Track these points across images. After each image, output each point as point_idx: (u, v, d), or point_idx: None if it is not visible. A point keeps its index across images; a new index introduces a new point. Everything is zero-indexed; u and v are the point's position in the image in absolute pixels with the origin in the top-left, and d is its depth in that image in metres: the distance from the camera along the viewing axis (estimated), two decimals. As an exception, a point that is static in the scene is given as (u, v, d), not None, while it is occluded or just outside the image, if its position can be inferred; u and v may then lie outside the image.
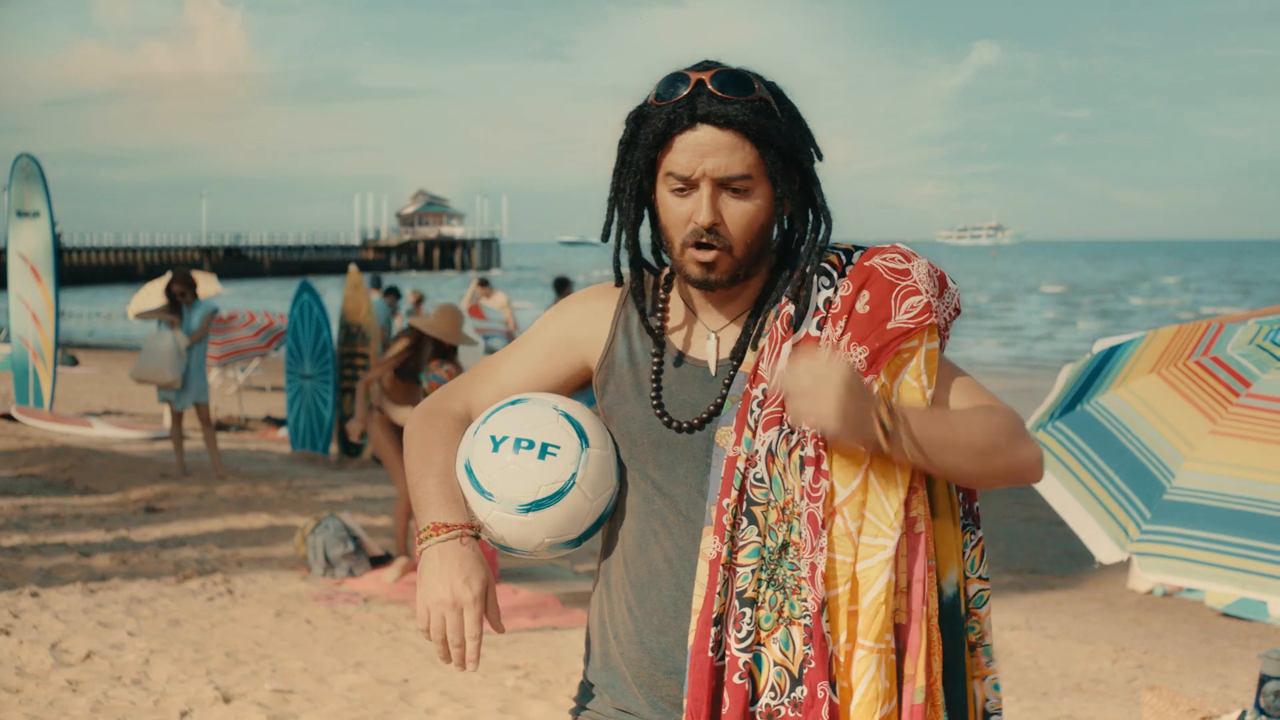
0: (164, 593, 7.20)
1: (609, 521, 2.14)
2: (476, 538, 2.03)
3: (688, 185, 1.99)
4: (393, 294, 17.05)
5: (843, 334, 1.99)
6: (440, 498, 2.04)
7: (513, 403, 2.12)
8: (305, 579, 7.74)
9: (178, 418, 11.11)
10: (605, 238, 2.12)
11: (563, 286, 15.66)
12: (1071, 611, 7.95)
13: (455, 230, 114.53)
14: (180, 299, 10.92)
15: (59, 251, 14.51)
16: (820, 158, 2.08)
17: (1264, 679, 3.88)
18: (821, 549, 1.93)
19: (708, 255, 2.00)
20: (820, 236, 2.05)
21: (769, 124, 1.98)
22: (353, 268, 13.62)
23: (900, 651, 1.98)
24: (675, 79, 2.01)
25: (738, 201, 1.99)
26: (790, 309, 2.02)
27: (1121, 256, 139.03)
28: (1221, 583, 2.84)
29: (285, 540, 8.65)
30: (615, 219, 2.10)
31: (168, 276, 11.36)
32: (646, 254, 2.16)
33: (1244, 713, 4.07)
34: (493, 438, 2.07)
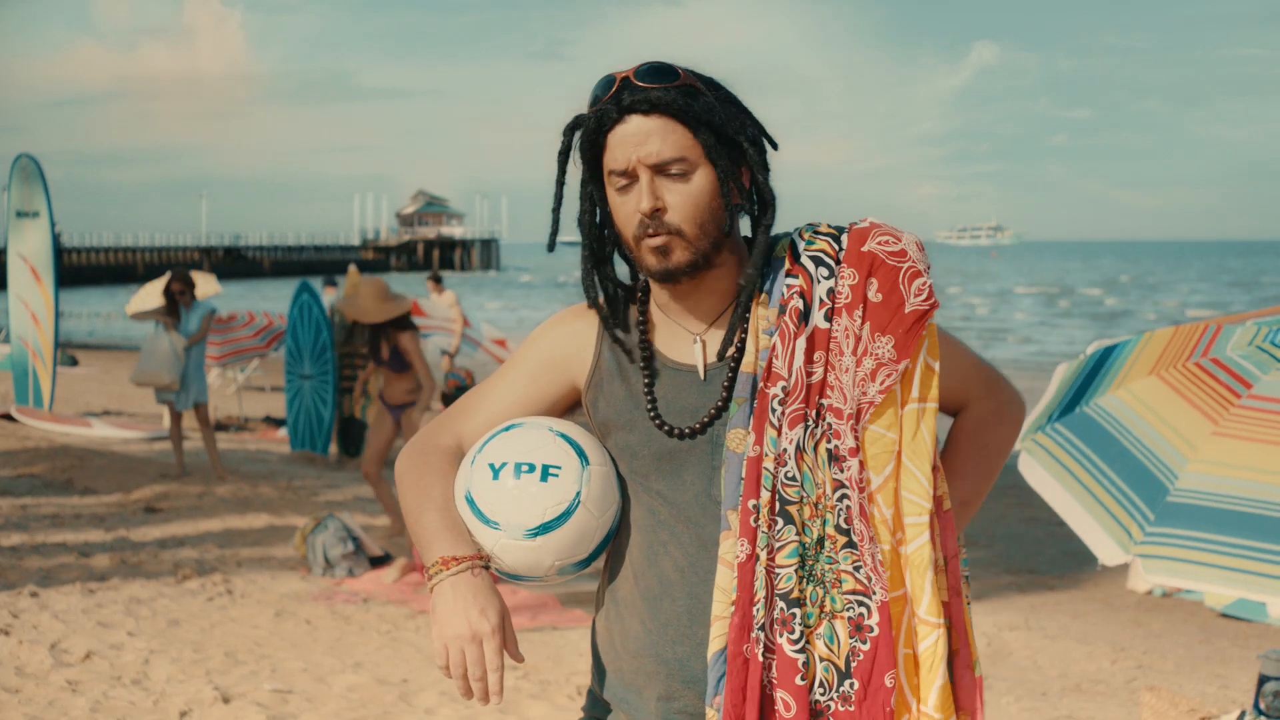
0: (163, 593, 7.20)
1: (615, 537, 2.12)
2: (487, 568, 2.01)
3: (628, 179, 2.00)
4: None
5: (862, 324, 1.99)
6: (445, 531, 2.02)
7: (507, 428, 2.10)
8: (305, 579, 7.75)
9: (177, 418, 11.11)
10: (551, 248, 2.10)
11: None
12: (1071, 612, 7.95)
13: (455, 230, 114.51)
14: (179, 298, 10.92)
15: (59, 252, 14.50)
16: (774, 146, 2.08)
17: (1263, 679, 3.88)
18: (873, 538, 1.96)
19: (658, 240, 1.99)
20: (767, 218, 2.05)
21: (694, 103, 1.98)
22: (352, 268, 13.63)
23: (947, 627, 2.00)
24: (603, 81, 2.03)
25: (678, 184, 1.98)
26: (798, 304, 2.01)
27: (1115, 257, 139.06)
28: (1227, 585, 2.84)
29: (285, 540, 8.65)
30: (581, 238, 2.10)
31: (167, 276, 11.36)
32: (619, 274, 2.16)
33: (1243, 713, 4.07)
34: (491, 465, 2.04)
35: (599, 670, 2.17)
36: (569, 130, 2.07)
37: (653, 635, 2.05)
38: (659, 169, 1.98)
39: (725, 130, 2.00)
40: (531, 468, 2.02)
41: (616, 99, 1.99)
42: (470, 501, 2.04)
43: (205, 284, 16.00)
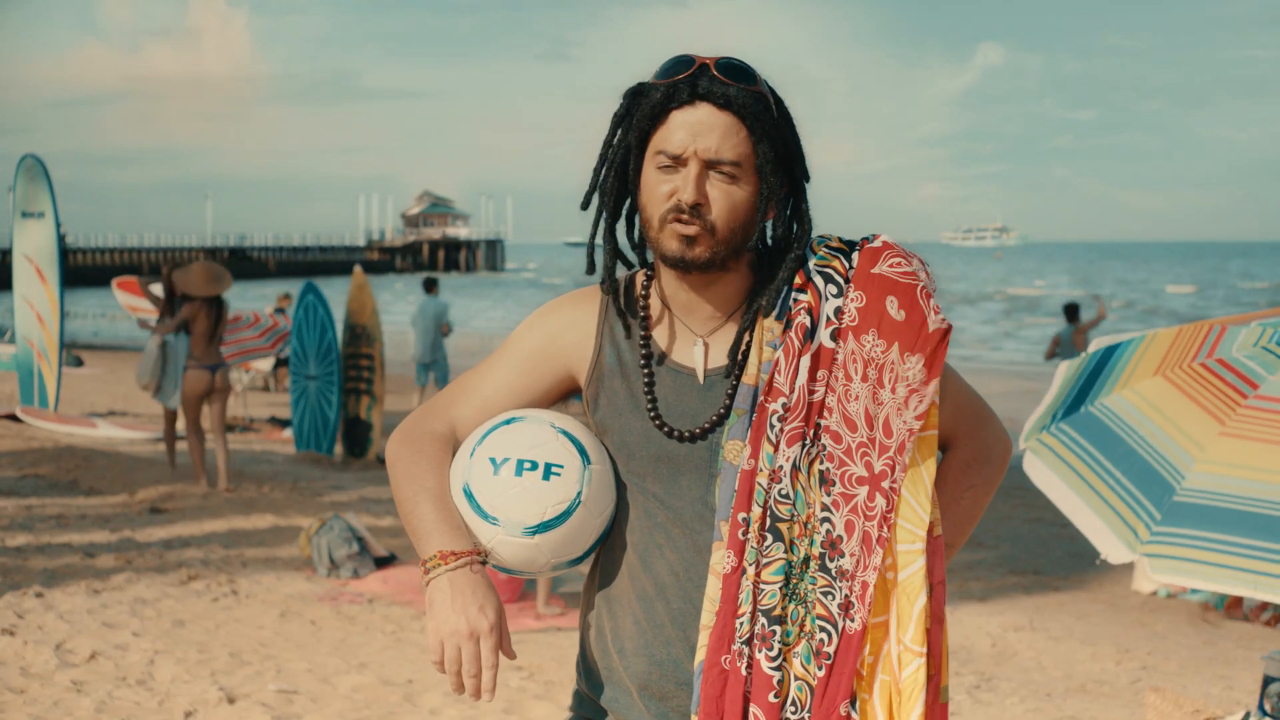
0: (168, 593, 7.20)
1: (607, 536, 2.11)
2: (484, 563, 2.00)
3: (676, 162, 1.98)
4: (433, 285, 16.79)
5: (889, 347, 1.96)
6: (442, 524, 1.99)
7: (507, 422, 2.07)
8: (310, 580, 7.75)
9: (170, 417, 11.12)
10: (585, 206, 2.09)
11: (1073, 313, 14.67)
12: (1075, 613, 7.94)
13: (460, 231, 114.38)
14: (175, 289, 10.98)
15: (64, 252, 14.51)
16: (807, 179, 2.07)
17: (1267, 680, 3.88)
18: (876, 567, 1.92)
19: (690, 229, 1.97)
20: (800, 245, 2.04)
21: (766, 115, 1.97)
22: (357, 269, 13.64)
23: (926, 655, 1.97)
24: (679, 60, 2.01)
25: (724, 186, 1.97)
26: (804, 320, 1.99)
27: (1101, 258, 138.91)
28: (1233, 584, 2.83)
29: (290, 541, 8.66)
30: (597, 199, 2.08)
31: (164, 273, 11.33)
32: (625, 252, 2.13)
33: (1247, 714, 4.07)
34: (492, 460, 2.02)
35: (588, 671, 2.15)
36: (630, 95, 2.05)
37: (646, 635, 2.05)
38: (711, 165, 1.97)
39: (781, 149, 2.00)
40: (534, 465, 2.00)
41: (692, 81, 1.97)
42: (469, 495, 2.02)
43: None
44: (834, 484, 1.95)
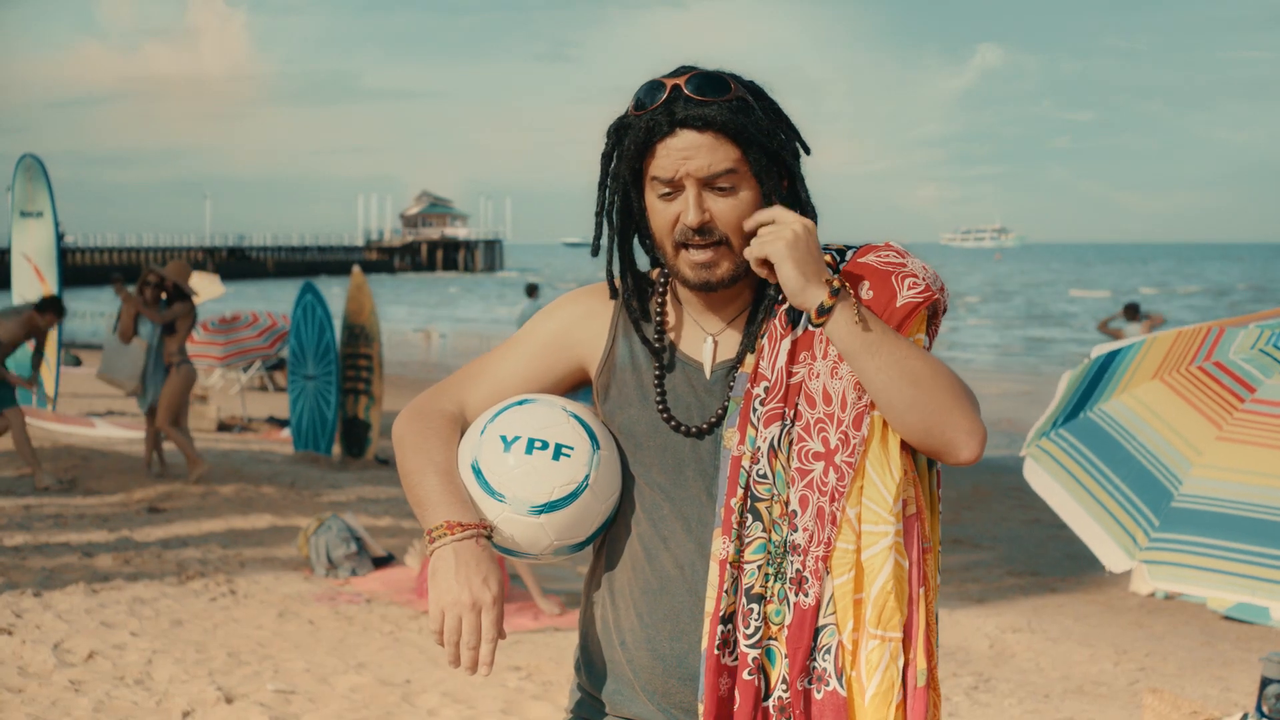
0: (166, 593, 7.20)
1: (610, 528, 2.12)
2: (489, 537, 2.01)
3: (673, 188, 1.99)
4: (534, 290, 16.79)
5: None
6: (449, 496, 2.01)
7: (519, 403, 2.10)
8: (308, 579, 7.75)
9: (150, 418, 11.10)
10: (595, 252, 2.12)
11: (1132, 312, 14.47)
12: (1073, 614, 7.95)
13: (459, 231, 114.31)
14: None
15: (62, 251, 14.52)
16: (807, 151, 2.08)
17: (1265, 682, 3.89)
18: (827, 542, 1.93)
19: (704, 255, 2.00)
20: None
21: (748, 121, 1.98)
22: (356, 269, 13.64)
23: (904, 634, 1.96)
24: (652, 87, 2.01)
25: (725, 199, 1.99)
26: (787, 305, 2.02)
27: (1087, 259, 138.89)
28: (1230, 590, 2.84)
29: (288, 541, 8.65)
30: (605, 232, 2.11)
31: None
32: (640, 264, 2.16)
33: (1245, 715, 4.07)
34: (503, 438, 2.04)
35: (589, 664, 2.16)
36: (613, 132, 2.06)
37: (649, 630, 2.05)
38: (707, 181, 1.98)
39: (773, 146, 2.00)
40: (544, 445, 2.02)
41: (669, 111, 1.97)
42: (477, 472, 2.03)
43: (209, 285, 16.02)
44: (792, 459, 1.96)
